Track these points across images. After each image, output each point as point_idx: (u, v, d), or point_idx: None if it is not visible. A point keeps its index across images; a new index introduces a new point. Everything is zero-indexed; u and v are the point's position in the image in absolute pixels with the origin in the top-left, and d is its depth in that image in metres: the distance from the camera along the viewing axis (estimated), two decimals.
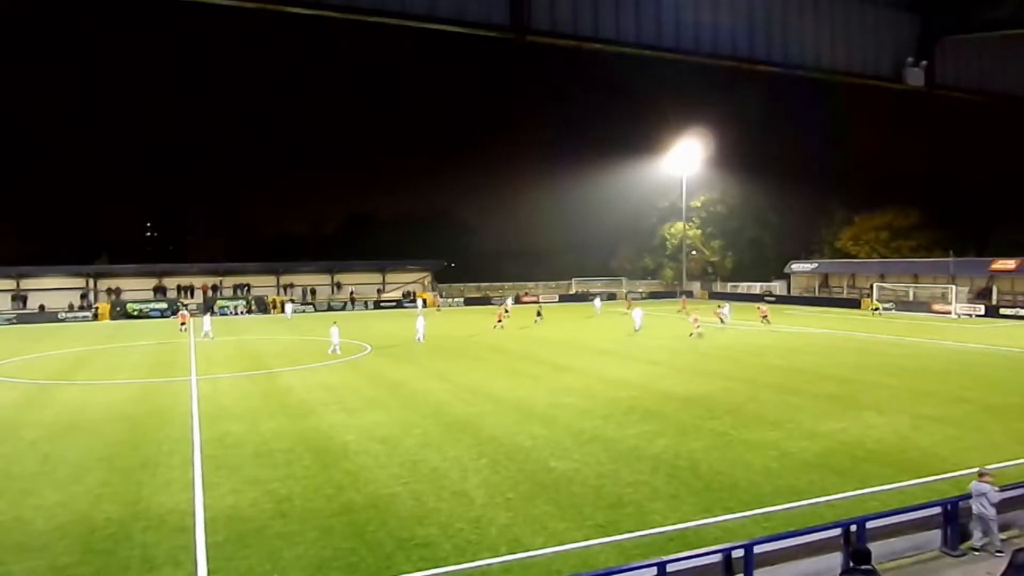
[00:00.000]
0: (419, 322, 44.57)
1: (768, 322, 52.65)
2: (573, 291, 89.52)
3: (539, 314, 57.86)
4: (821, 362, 33.21)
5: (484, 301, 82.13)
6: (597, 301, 67.44)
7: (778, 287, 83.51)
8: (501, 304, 58.96)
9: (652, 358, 35.16)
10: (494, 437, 19.82)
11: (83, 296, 72.62)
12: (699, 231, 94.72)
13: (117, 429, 21.82)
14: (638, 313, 48.60)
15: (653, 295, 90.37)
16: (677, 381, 28.25)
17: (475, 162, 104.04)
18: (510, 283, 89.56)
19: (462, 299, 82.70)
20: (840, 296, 76.05)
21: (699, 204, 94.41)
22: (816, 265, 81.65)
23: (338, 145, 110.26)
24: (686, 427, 20.65)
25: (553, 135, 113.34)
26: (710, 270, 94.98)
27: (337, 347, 38.39)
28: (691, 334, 44.03)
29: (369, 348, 40.36)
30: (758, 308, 57.33)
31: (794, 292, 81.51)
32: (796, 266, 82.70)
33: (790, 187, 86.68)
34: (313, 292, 79.15)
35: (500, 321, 51.69)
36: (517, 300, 77.95)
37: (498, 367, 32.82)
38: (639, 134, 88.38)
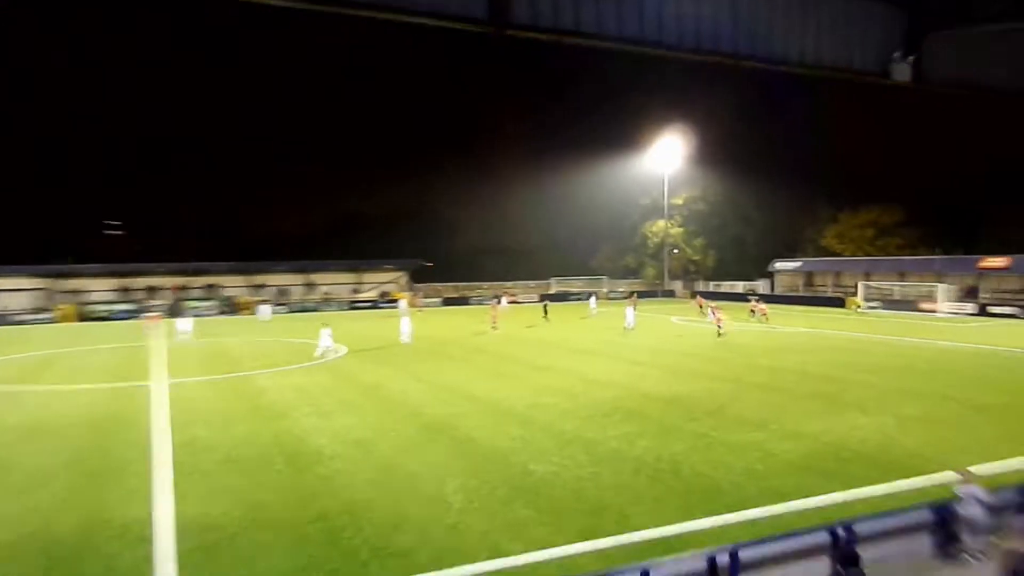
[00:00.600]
0: (404, 323, 44.47)
1: (767, 319, 52.97)
2: (553, 291, 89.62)
3: (546, 312, 58.33)
4: (805, 361, 33.41)
5: (462, 301, 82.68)
6: (592, 300, 66.23)
7: (762, 286, 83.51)
8: (493, 304, 58.53)
9: (637, 358, 35.14)
10: (472, 440, 19.75)
11: (45, 298, 71.68)
12: (681, 229, 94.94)
13: (81, 435, 21.54)
14: (630, 312, 48.70)
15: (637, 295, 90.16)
16: (660, 381, 28.33)
17: (452, 158, 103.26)
18: (488, 283, 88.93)
19: (440, 299, 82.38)
20: (825, 295, 76.31)
21: (681, 202, 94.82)
22: (800, 263, 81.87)
23: (312, 142, 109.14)
24: (668, 428, 20.62)
25: (533, 130, 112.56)
26: (692, 269, 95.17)
27: (326, 349, 38.11)
28: (719, 334, 43.89)
29: (345, 350, 40.10)
30: (751, 306, 57.61)
31: (778, 291, 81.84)
32: (780, 264, 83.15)
33: (774, 184, 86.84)
34: (286, 293, 78.77)
35: (494, 323, 50.49)
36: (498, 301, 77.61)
37: (478, 368, 32.74)
38: (621, 130, 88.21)
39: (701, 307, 60.31)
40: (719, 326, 44.71)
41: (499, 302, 64.64)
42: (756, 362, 33.32)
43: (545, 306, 61.52)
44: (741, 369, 31.24)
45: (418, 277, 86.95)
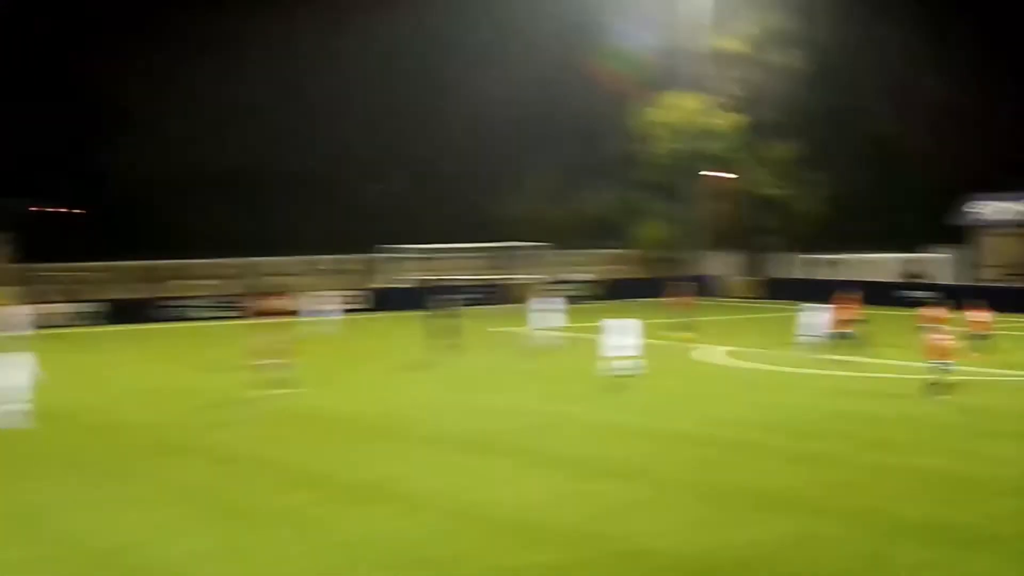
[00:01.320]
0: (21, 369, 24.56)
1: (989, 343, 30.65)
2: (392, 283, 51.59)
3: (449, 336, 33.89)
4: None
5: (141, 313, 47.59)
6: (538, 310, 33.60)
7: (937, 263, 53.50)
8: (249, 312, 31.35)
9: (612, 458, 18.08)
10: None
11: None
12: (735, 117, 56.97)
13: None
14: (627, 332, 27.02)
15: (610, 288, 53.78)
16: (678, 517, 14.91)
17: None
18: (217, 260, 52.75)
19: (94, 308, 47.90)
20: None
21: (737, 46, 57.01)
22: None
23: None
24: None
25: None
26: (766, 223, 58.99)
27: None
28: (935, 383, 24.78)
29: None
30: (927, 317, 31.69)
31: (984, 275, 55.35)
32: (982, 209, 54.32)
33: (973, 17, 56.89)
34: None
35: (282, 361, 28.40)
36: (262, 310, 35.15)
37: (193, 499, 16.57)
38: None
39: (852, 318, 31.89)
40: (939, 366, 24.89)
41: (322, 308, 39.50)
42: (916, 464, 18.00)
43: (453, 317, 31.94)
44: (882, 478, 16.99)
45: (34, 248, 50.77)
